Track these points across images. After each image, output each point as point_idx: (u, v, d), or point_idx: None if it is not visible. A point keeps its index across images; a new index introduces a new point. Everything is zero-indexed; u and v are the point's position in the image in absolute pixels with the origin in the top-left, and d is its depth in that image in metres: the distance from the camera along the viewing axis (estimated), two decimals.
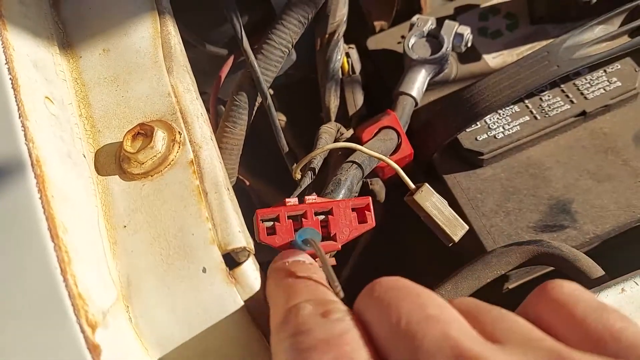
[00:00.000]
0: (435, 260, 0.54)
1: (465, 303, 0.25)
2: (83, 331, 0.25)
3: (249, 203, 0.62)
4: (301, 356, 0.22)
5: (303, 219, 0.34)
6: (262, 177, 0.61)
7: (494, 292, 0.51)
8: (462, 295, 0.43)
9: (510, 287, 0.50)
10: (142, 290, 0.31)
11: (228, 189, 0.34)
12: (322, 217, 0.34)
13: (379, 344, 0.23)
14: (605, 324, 0.23)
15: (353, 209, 0.35)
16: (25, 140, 0.28)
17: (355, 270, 0.56)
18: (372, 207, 0.35)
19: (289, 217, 0.34)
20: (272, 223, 0.34)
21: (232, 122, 0.47)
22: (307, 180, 0.44)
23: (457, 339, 0.21)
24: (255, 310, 0.31)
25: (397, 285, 0.24)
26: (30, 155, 0.28)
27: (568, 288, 0.25)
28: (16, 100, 0.30)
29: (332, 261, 0.38)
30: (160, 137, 0.34)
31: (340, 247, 0.35)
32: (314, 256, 0.32)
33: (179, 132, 0.35)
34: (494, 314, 0.24)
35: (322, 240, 0.34)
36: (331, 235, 0.34)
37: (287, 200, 0.35)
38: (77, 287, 0.26)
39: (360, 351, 0.22)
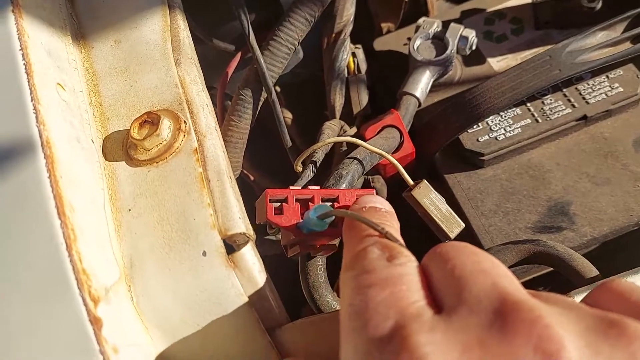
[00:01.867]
0: None
1: None
2: (86, 304, 0.26)
3: (254, 198, 0.63)
4: (362, 291, 0.24)
5: (310, 204, 0.35)
6: (267, 172, 0.62)
7: None
8: None
9: None
10: (144, 271, 0.32)
11: (230, 177, 0.35)
12: (328, 203, 0.35)
13: (435, 289, 0.25)
14: None
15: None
16: (37, 122, 0.30)
17: None
18: None
19: (296, 200, 0.35)
20: (279, 204, 0.35)
21: (238, 116, 0.48)
22: (308, 173, 0.45)
23: (505, 288, 0.23)
24: (252, 294, 0.32)
25: (459, 245, 0.26)
26: (40, 137, 0.29)
27: (623, 282, 0.26)
28: (29, 85, 0.31)
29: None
30: (166, 126, 0.35)
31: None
32: (335, 234, 0.33)
33: (185, 122, 0.36)
34: (541, 293, 0.25)
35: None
36: (334, 222, 0.35)
37: (291, 187, 0.36)
38: (82, 263, 0.27)
39: (415, 292, 0.24)
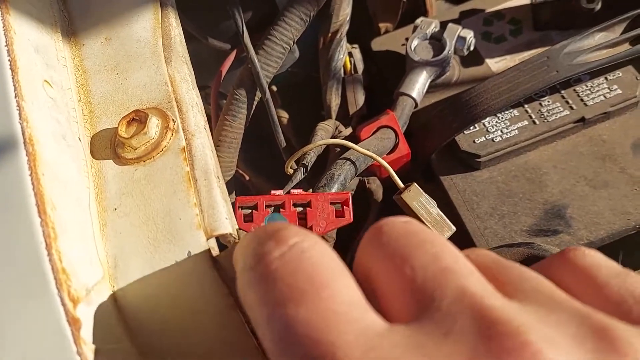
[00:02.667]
0: None
1: (482, 257, 0.23)
2: (64, 304, 0.25)
3: None
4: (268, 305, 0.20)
5: (281, 210, 0.35)
6: (263, 172, 0.62)
7: None
8: None
9: None
10: (129, 271, 0.31)
11: (218, 177, 0.34)
12: (300, 209, 0.35)
13: (386, 298, 0.21)
14: (628, 288, 0.21)
15: (332, 203, 0.35)
16: (20, 119, 0.29)
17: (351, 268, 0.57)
18: (350, 203, 0.36)
19: (267, 207, 0.35)
20: (250, 211, 0.35)
21: (232, 115, 0.48)
22: (299, 175, 0.45)
23: (477, 294, 0.19)
24: (237, 295, 0.31)
25: (408, 231, 0.22)
26: (23, 134, 0.29)
27: (590, 254, 0.23)
28: (13, 81, 0.30)
29: None
30: (154, 124, 0.35)
31: None
32: None
33: (173, 120, 0.35)
34: (515, 272, 0.22)
35: None
36: (308, 227, 0.35)
37: (273, 192, 0.36)
38: (62, 262, 0.27)
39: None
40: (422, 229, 0.22)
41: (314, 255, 0.21)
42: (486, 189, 0.50)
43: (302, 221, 0.35)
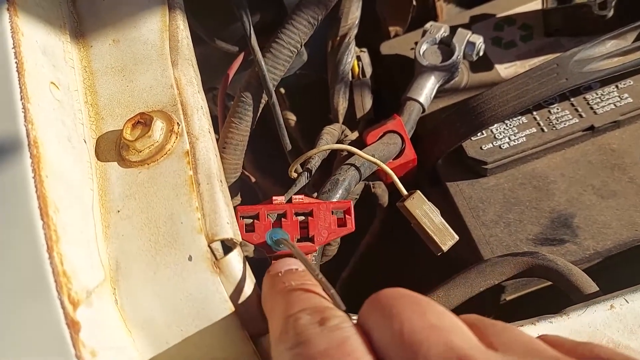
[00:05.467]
0: (436, 266, 0.54)
1: (468, 318, 0.25)
2: (64, 307, 0.25)
3: (255, 199, 0.63)
4: None
5: (283, 219, 0.35)
6: (270, 174, 0.62)
7: (491, 303, 0.51)
8: (454, 302, 0.43)
9: (507, 298, 0.50)
10: (130, 273, 0.31)
11: (221, 181, 0.35)
12: (302, 217, 0.35)
13: (381, 352, 0.23)
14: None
15: (333, 212, 0.35)
16: (25, 121, 0.30)
17: (355, 273, 0.57)
18: (352, 211, 0.36)
19: (268, 216, 0.35)
20: (251, 220, 0.34)
21: (238, 118, 0.48)
22: (303, 180, 0.45)
23: (461, 348, 0.21)
24: (237, 300, 0.31)
25: (399, 294, 0.24)
26: (28, 136, 0.29)
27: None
28: (19, 83, 0.31)
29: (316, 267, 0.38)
30: (158, 127, 0.35)
31: (317, 248, 0.35)
32: (290, 256, 0.33)
33: (178, 123, 0.36)
34: (497, 327, 0.24)
35: (300, 241, 0.35)
36: (309, 236, 0.35)
37: (274, 198, 0.36)
38: (63, 265, 0.27)
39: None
40: (411, 292, 0.25)
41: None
42: (492, 196, 0.49)
43: (304, 230, 0.35)
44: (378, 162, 0.42)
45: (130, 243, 0.32)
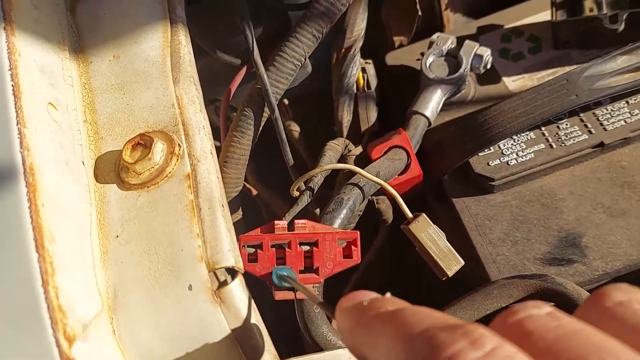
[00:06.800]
0: (441, 283, 0.53)
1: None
2: (59, 345, 0.25)
3: (257, 211, 0.62)
4: None
5: (287, 249, 0.34)
6: (272, 187, 0.61)
7: None
8: None
9: None
10: (128, 302, 0.30)
11: (223, 205, 0.34)
12: (306, 247, 0.34)
13: None
14: None
15: (339, 242, 0.34)
16: (21, 147, 0.29)
17: (357, 289, 0.56)
18: (359, 243, 0.35)
19: (272, 246, 0.34)
20: (254, 250, 0.34)
21: (240, 132, 0.47)
22: (305, 199, 0.44)
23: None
24: (239, 332, 0.31)
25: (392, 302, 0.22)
26: (24, 163, 0.28)
27: (615, 295, 0.21)
28: (16, 107, 0.30)
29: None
30: (159, 149, 0.34)
31: (321, 281, 0.34)
32: (314, 281, 0.32)
33: (179, 145, 0.35)
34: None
35: (304, 272, 0.34)
36: (314, 267, 0.34)
37: (276, 222, 0.35)
38: (58, 299, 0.26)
39: None
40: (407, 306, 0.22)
41: None
42: (499, 213, 0.48)
43: (308, 260, 0.34)
44: (382, 183, 0.42)
45: (129, 270, 0.31)
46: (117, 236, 0.32)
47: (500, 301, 0.41)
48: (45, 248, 0.27)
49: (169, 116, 0.36)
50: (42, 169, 0.29)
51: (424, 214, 0.41)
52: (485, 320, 0.42)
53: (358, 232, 0.35)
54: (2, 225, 0.27)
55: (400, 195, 0.51)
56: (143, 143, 0.34)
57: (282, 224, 0.35)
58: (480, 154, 0.49)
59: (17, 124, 0.29)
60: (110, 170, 0.35)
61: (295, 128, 0.59)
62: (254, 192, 0.59)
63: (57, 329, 0.25)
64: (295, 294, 0.33)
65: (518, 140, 0.49)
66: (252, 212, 0.58)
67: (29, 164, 0.29)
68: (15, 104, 0.30)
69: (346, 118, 0.53)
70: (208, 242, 0.32)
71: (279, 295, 0.33)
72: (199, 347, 0.30)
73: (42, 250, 0.26)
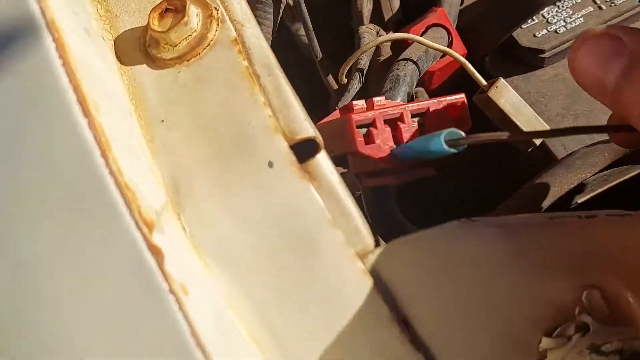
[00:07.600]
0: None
1: None
2: (139, 228, 0.18)
3: None
4: None
5: (400, 123, 0.28)
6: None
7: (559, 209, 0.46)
8: (540, 206, 0.37)
9: (579, 201, 0.45)
10: (194, 194, 0.24)
11: (282, 72, 0.27)
12: (417, 119, 0.29)
13: None
14: None
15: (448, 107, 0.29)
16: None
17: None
18: (467, 106, 0.30)
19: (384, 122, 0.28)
20: (366, 129, 0.28)
21: (258, 22, 0.40)
22: (356, 84, 0.38)
23: None
24: (336, 211, 0.25)
25: None
26: (44, 15, 0.21)
27: None
28: None
29: None
30: (194, 12, 0.27)
31: None
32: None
33: (216, 8, 0.28)
34: None
35: None
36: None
37: (354, 102, 0.29)
38: (122, 175, 0.19)
39: None
40: None
41: None
42: (553, 88, 0.44)
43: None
44: (446, 49, 0.36)
45: (187, 157, 0.25)
46: (162, 121, 0.26)
47: (585, 172, 0.37)
48: (93, 115, 0.20)
49: None
50: (63, 27, 0.22)
51: (502, 78, 0.36)
52: (568, 197, 0.38)
53: (464, 95, 0.30)
54: (35, 89, 0.20)
55: (439, 87, 0.46)
56: (173, 8, 0.27)
57: (360, 103, 0.29)
58: (523, 26, 0.44)
59: None
60: (135, 50, 0.28)
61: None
62: None
63: (132, 209, 0.19)
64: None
65: (563, 5, 0.45)
66: None
67: (50, 17, 0.21)
68: None
69: (366, 7, 0.47)
70: (279, 112, 0.25)
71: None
72: (292, 234, 0.24)
73: (91, 116, 0.20)
